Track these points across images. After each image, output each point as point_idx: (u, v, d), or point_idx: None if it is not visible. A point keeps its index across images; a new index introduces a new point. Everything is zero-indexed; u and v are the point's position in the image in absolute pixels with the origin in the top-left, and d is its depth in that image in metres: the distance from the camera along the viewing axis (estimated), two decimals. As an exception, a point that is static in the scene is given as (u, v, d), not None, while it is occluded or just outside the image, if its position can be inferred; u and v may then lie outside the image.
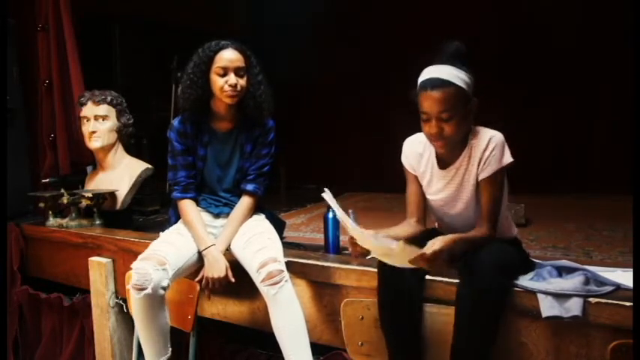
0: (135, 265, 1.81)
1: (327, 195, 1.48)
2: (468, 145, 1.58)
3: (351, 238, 1.49)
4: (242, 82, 1.92)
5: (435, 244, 1.39)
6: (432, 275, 1.63)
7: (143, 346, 1.92)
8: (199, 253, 1.94)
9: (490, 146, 1.53)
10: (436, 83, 1.49)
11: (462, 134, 1.55)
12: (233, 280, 1.89)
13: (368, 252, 1.49)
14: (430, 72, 1.53)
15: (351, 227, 1.47)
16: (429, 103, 1.49)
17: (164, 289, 1.81)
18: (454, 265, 1.48)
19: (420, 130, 1.64)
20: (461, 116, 1.50)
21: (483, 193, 1.56)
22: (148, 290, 1.76)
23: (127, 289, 2.12)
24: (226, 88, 1.89)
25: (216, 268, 1.87)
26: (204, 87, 1.94)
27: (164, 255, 1.83)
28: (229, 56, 1.91)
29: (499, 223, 1.58)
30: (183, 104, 2.00)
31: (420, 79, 1.55)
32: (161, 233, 2.03)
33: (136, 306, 1.82)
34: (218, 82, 1.90)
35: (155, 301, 1.81)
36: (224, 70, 1.90)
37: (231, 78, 1.89)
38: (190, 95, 1.96)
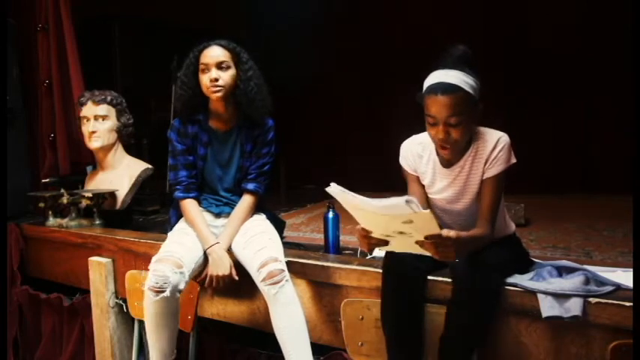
0: (152, 267, 1.80)
1: (333, 188, 1.35)
2: (472, 145, 1.58)
3: (362, 230, 1.41)
4: (225, 75, 1.92)
5: (450, 232, 1.35)
6: (434, 275, 1.63)
7: (150, 348, 1.89)
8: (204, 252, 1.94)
9: (498, 146, 1.54)
10: (445, 88, 1.47)
11: (467, 138, 1.55)
12: (237, 278, 1.89)
13: (380, 244, 1.41)
14: (438, 76, 1.51)
15: (368, 201, 1.31)
16: (437, 107, 1.48)
17: (180, 292, 1.81)
18: (458, 259, 1.44)
19: (420, 130, 1.64)
20: (468, 121, 1.50)
21: (485, 192, 1.57)
22: (166, 293, 1.75)
23: (127, 290, 2.13)
24: (208, 83, 1.91)
25: (221, 266, 1.87)
26: (195, 88, 1.96)
27: (180, 257, 1.82)
28: (211, 53, 1.93)
29: (497, 221, 1.59)
30: (176, 105, 2.02)
31: (428, 82, 1.53)
32: (169, 234, 2.02)
33: (150, 308, 1.80)
34: (203, 79, 1.93)
35: (171, 304, 1.80)
36: (206, 66, 1.92)
37: (212, 73, 1.91)
38: (181, 97, 1.99)
